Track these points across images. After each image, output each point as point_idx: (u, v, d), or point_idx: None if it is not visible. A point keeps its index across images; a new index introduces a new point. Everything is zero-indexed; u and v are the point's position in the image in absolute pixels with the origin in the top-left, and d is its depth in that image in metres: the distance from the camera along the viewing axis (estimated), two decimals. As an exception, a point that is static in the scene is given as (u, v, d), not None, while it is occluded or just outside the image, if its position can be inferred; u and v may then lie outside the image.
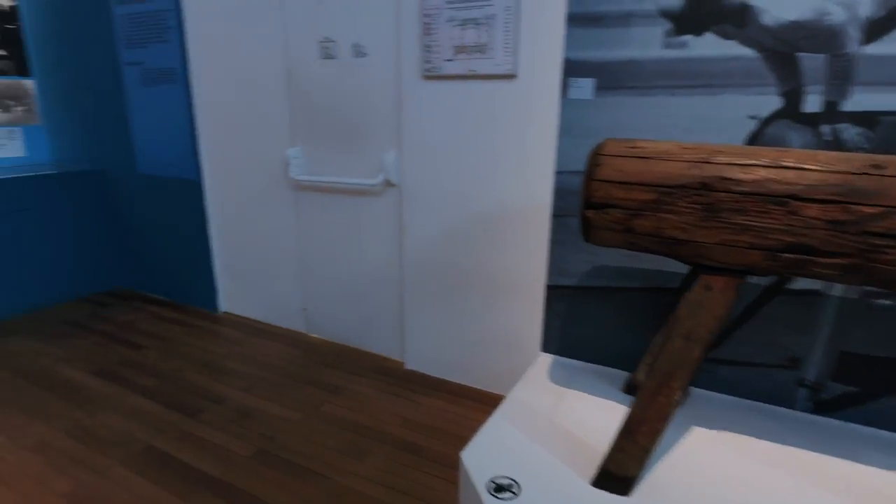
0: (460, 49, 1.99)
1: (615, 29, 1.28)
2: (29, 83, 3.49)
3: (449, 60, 2.02)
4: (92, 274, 3.42)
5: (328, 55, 2.31)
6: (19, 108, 3.45)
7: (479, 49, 1.95)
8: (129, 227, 3.37)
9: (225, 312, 3.16)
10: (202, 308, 3.20)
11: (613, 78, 1.31)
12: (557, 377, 1.44)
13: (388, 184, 2.33)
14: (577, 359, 1.53)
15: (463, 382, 2.38)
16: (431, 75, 2.08)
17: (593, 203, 1.03)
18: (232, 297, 3.12)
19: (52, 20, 3.25)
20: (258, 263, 2.91)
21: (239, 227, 2.90)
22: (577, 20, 1.31)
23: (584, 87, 1.34)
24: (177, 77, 2.77)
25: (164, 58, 2.78)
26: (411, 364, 2.52)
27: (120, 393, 2.28)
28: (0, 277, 2.97)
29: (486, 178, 2.07)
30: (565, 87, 1.36)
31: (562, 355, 1.55)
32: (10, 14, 3.36)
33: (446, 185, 2.17)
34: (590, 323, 1.49)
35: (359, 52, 2.23)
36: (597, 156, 1.04)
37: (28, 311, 3.12)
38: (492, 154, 2.03)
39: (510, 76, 1.93)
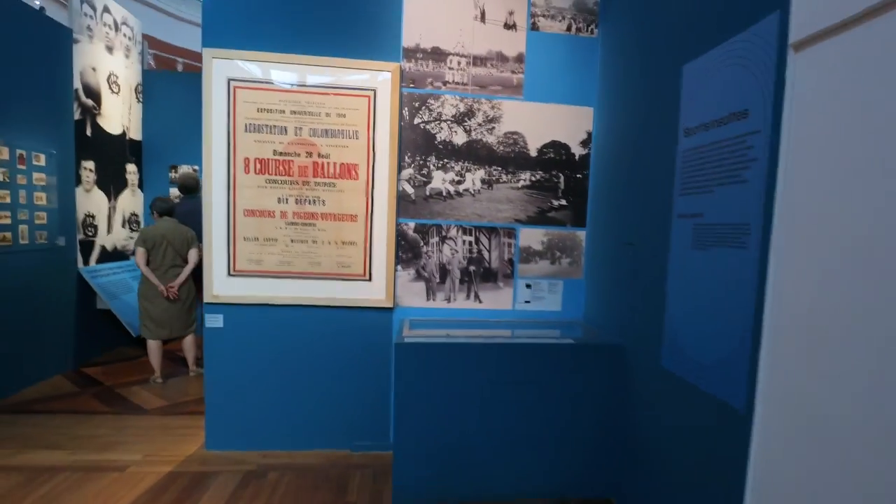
0: None
1: None
2: (580, 234, 3.19)
3: None
4: (579, 473, 2.65)
5: None
6: (566, 261, 3.18)
7: None
8: (636, 426, 2.44)
9: None
10: None
11: None
12: None
13: None
14: None
15: None
16: None
17: None
18: None
19: (612, 163, 2.84)
20: None
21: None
22: None
23: None
24: (747, 238, 1.69)
25: (734, 207, 1.76)
26: None
27: None
28: (500, 459, 2.57)
29: None
30: None
31: None
32: (581, 163, 3.17)
33: None
34: None
35: None
36: None
37: (511, 497, 2.60)
38: None
39: None
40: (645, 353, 2.37)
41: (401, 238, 3.05)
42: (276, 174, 2.93)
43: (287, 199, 2.93)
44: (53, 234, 4.28)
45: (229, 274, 2.91)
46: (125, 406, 3.71)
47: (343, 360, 3.01)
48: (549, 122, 3.13)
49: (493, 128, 3.11)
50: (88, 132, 4.87)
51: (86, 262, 4.83)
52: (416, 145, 3.06)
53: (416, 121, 3.06)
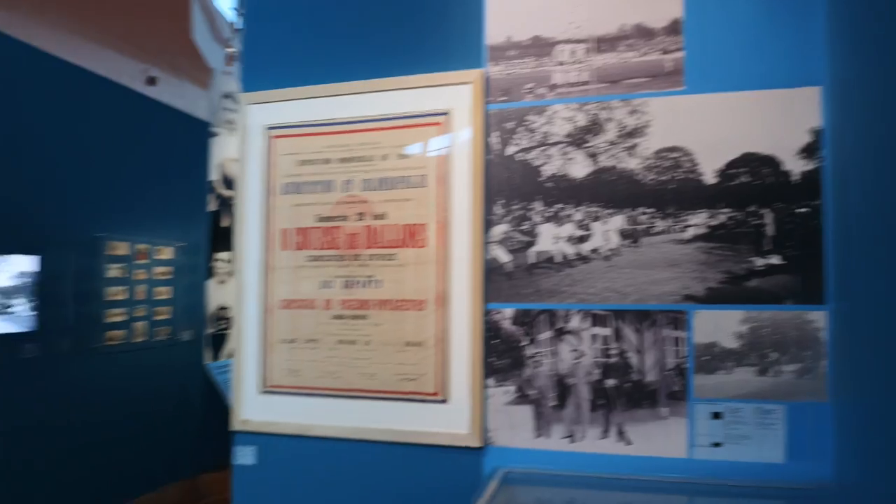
0: None
1: None
2: (817, 317, 1.73)
3: None
4: None
5: None
6: (789, 368, 1.74)
7: None
8: None
9: None
10: None
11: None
12: None
13: None
14: None
15: None
16: None
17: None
18: None
19: (889, 174, 1.40)
20: None
21: None
22: None
23: None
24: None
25: None
26: None
27: None
28: None
29: None
30: None
31: None
32: (803, 186, 1.75)
33: None
34: None
35: None
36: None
37: None
38: None
39: None
40: None
41: (492, 334, 1.97)
42: (319, 248, 2.12)
43: (333, 282, 2.10)
44: (178, 328, 4.13)
45: (261, 390, 2.15)
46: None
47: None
48: (734, 125, 1.80)
49: (636, 145, 1.90)
50: (225, 223, 4.79)
51: (215, 357, 4.64)
52: (512, 187, 1.99)
53: (511, 150, 2.00)
